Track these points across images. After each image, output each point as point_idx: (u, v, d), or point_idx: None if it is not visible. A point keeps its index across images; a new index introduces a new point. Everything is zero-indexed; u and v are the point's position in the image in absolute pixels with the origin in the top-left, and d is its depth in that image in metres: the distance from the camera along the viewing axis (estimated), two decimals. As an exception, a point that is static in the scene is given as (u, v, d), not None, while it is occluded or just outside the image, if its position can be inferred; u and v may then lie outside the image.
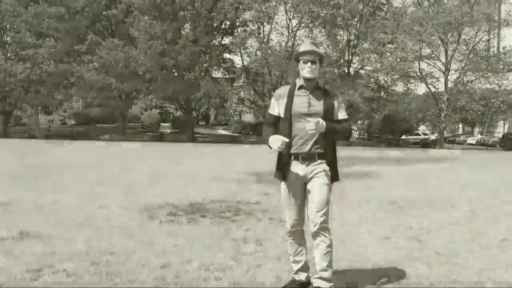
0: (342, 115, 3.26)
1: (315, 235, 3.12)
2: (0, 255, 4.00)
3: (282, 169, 3.25)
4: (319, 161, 3.17)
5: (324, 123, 3.04)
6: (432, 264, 3.98)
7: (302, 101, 3.18)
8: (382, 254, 4.26)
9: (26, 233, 4.75)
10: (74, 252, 4.12)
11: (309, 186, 3.18)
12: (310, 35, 37.60)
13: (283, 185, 3.26)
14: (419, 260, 4.10)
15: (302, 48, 3.23)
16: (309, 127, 3.01)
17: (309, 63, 3.15)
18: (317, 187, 3.14)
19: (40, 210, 6.09)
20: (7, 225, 5.15)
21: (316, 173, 3.16)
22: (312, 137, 3.14)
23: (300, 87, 3.23)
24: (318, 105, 3.17)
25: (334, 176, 3.24)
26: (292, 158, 3.19)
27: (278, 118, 3.25)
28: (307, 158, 3.17)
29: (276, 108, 3.26)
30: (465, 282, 3.56)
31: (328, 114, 3.16)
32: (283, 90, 3.29)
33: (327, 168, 3.18)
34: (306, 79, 3.20)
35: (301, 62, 3.20)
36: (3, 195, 7.23)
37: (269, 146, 3.11)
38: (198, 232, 4.99)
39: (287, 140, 3.04)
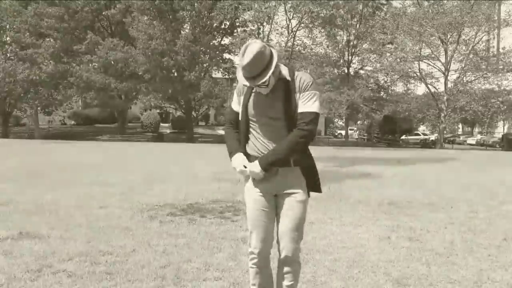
0: (305, 106, 2.45)
1: (285, 263, 2.62)
2: (0, 255, 4.00)
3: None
4: (294, 167, 2.55)
5: (258, 168, 2.46)
6: (432, 264, 3.98)
7: (262, 102, 2.52)
8: (382, 254, 4.26)
9: (25, 233, 4.75)
10: (74, 252, 4.12)
11: (281, 202, 2.60)
12: (310, 35, 37.65)
13: (248, 196, 2.66)
14: (419, 260, 4.11)
15: (245, 61, 2.36)
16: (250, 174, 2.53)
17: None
18: (292, 206, 2.56)
19: (40, 210, 6.08)
20: (7, 225, 5.15)
21: (292, 186, 2.56)
22: (284, 134, 2.48)
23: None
24: (278, 106, 2.48)
25: (313, 186, 2.64)
26: None
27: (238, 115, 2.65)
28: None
29: (237, 105, 2.64)
30: (465, 282, 3.56)
31: (290, 116, 2.47)
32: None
33: (303, 178, 2.58)
34: None
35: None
36: (3, 195, 7.23)
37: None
38: (197, 232, 4.99)
39: (246, 167, 2.51)
